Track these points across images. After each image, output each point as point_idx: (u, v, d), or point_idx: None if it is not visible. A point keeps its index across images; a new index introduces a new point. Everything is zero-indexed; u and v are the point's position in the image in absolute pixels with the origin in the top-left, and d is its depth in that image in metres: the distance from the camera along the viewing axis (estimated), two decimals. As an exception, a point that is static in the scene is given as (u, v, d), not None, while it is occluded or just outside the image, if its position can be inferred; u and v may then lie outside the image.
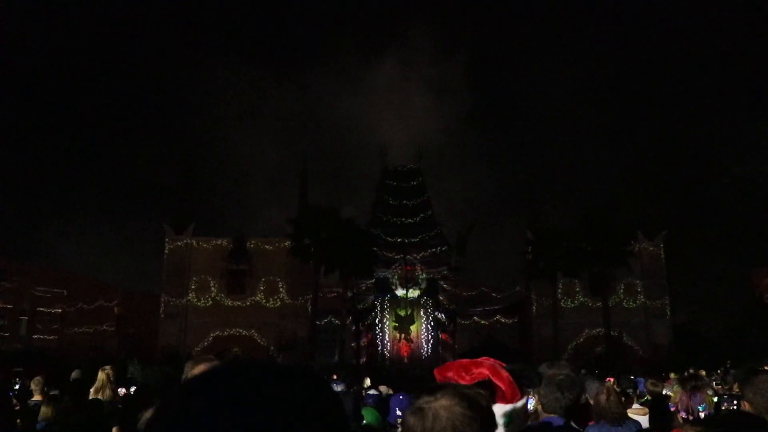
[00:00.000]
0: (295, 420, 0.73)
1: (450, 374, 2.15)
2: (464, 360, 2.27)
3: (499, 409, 2.11)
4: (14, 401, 11.06)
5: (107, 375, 8.64)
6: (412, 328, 43.96)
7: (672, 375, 17.02)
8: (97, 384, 8.50)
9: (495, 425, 1.86)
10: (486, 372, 2.12)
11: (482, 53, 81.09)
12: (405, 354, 42.92)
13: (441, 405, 1.63)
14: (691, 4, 71.94)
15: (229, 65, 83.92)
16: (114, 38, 75.83)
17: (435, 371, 2.25)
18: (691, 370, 20.67)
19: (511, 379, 2.17)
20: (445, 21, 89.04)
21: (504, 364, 2.30)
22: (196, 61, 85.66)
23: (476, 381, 2.10)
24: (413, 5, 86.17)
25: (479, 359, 2.24)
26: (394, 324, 43.92)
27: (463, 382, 2.06)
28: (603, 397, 4.53)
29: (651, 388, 8.73)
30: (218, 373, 0.77)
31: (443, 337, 43.90)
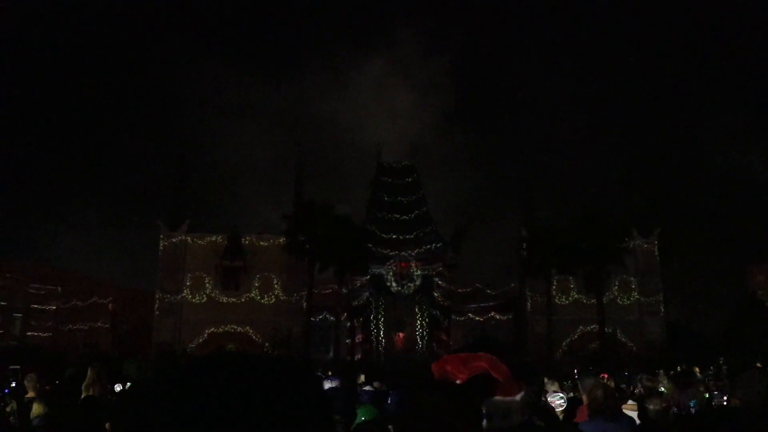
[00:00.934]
0: (274, 410, 0.74)
1: (449, 368, 2.15)
2: (463, 354, 2.28)
3: (499, 403, 2.14)
4: (10, 399, 11.07)
5: (97, 372, 8.68)
6: (407, 324, 44.01)
7: (661, 371, 17.06)
8: (87, 381, 8.54)
9: (482, 421, 1.90)
10: (485, 366, 2.14)
11: (473, 51, 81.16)
12: (399, 350, 42.95)
13: (433, 401, 1.66)
14: (683, 3, 72.08)
15: (223, 63, 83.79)
16: (108, 37, 75.55)
17: (433, 365, 2.25)
18: (683, 366, 20.81)
19: (510, 373, 2.19)
20: (434, 19, 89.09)
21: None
22: (190, 58, 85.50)
23: (475, 374, 2.11)
24: (401, 3, 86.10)
25: (478, 353, 2.25)
26: (387, 318, 43.96)
27: (462, 376, 2.08)
28: (599, 393, 4.58)
29: (646, 383, 8.82)
30: (197, 363, 0.79)
31: (438, 334, 43.95)
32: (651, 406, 6.05)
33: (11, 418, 9.26)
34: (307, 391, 0.79)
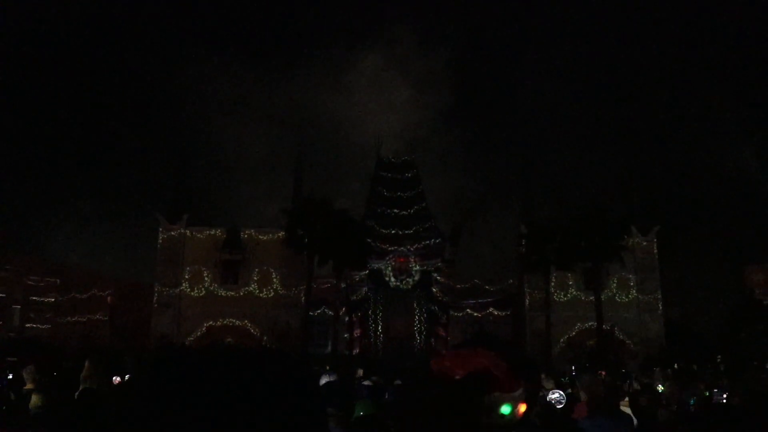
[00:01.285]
0: (267, 403, 0.75)
1: (447, 364, 2.14)
2: (462, 350, 2.27)
3: (498, 400, 2.14)
4: (8, 390, 11.09)
5: (95, 364, 8.68)
6: (405, 320, 44.04)
7: (657, 369, 17.11)
8: (84, 373, 8.55)
9: (481, 416, 1.89)
10: (484, 362, 2.13)
11: (472, 47, 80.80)
12: (398, 345, 42.97)
13: (431, 396, 1.65)
14: (682, 3, 72.02)
15: (222, 59, 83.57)
16: (105, 32, 75.40)
17: (432, 361, 2.24)
18: (681, 364, 20.89)
19: (509, 369, 2.18)
20: (431, 15, 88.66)
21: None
22: (190, 54, 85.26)
23: (474, 371, 2.10)
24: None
25: (477, 349, 2.24)
26: (385, 313, 43.99)
27: (461, 372, 2.07)
28: (600, 390, 4.58)
29: (643, 380, 8.83)
30: (192, 358, 0.79)
31: (436, 330, 43.99)
32: (642, 403, 6.07)
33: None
34: (300, 384, 0.79)
